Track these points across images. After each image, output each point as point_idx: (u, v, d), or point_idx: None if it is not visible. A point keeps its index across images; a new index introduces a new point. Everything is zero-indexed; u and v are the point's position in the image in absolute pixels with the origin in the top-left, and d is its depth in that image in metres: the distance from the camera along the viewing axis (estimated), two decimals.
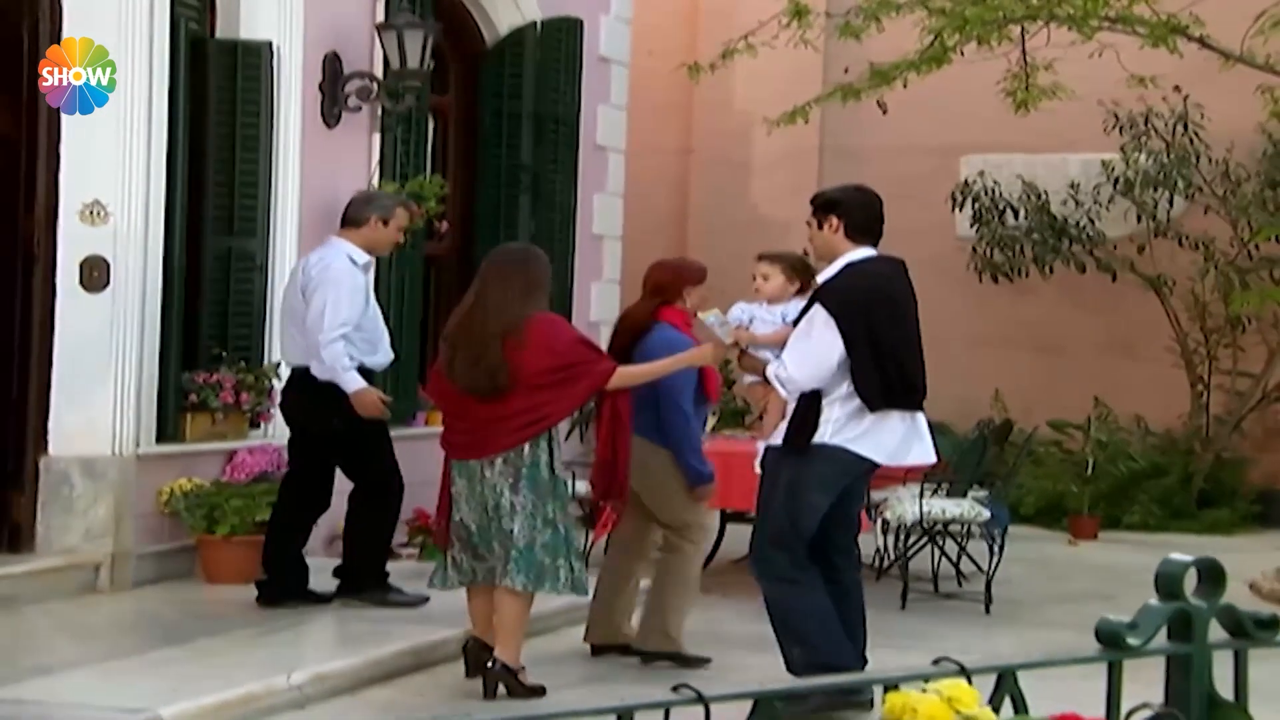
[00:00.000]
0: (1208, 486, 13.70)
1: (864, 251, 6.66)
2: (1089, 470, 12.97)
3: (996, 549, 9.21)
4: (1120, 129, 13.55)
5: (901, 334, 6.64)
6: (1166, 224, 13.77)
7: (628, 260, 13.07)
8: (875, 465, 6.67)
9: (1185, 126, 13.46)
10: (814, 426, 6.54)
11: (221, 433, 8.98)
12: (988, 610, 9.09)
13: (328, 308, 7.92)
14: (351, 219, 8.28)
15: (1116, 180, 13.77)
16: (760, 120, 14.17)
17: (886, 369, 6.54)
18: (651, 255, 14.35)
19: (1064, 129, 13.44)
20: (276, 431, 9.28)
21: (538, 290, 6.95)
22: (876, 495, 9.41)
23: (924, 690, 2.65)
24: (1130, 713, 2.84)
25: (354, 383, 7.91)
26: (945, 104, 13.68)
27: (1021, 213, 13.98)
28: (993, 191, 14.02)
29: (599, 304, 12.38)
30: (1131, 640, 2.81)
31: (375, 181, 9.93)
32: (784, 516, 6.64)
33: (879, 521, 9.41)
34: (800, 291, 7.27)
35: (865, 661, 6.75)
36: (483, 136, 11.45)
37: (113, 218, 8.37)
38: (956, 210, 14.17)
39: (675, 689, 2.55)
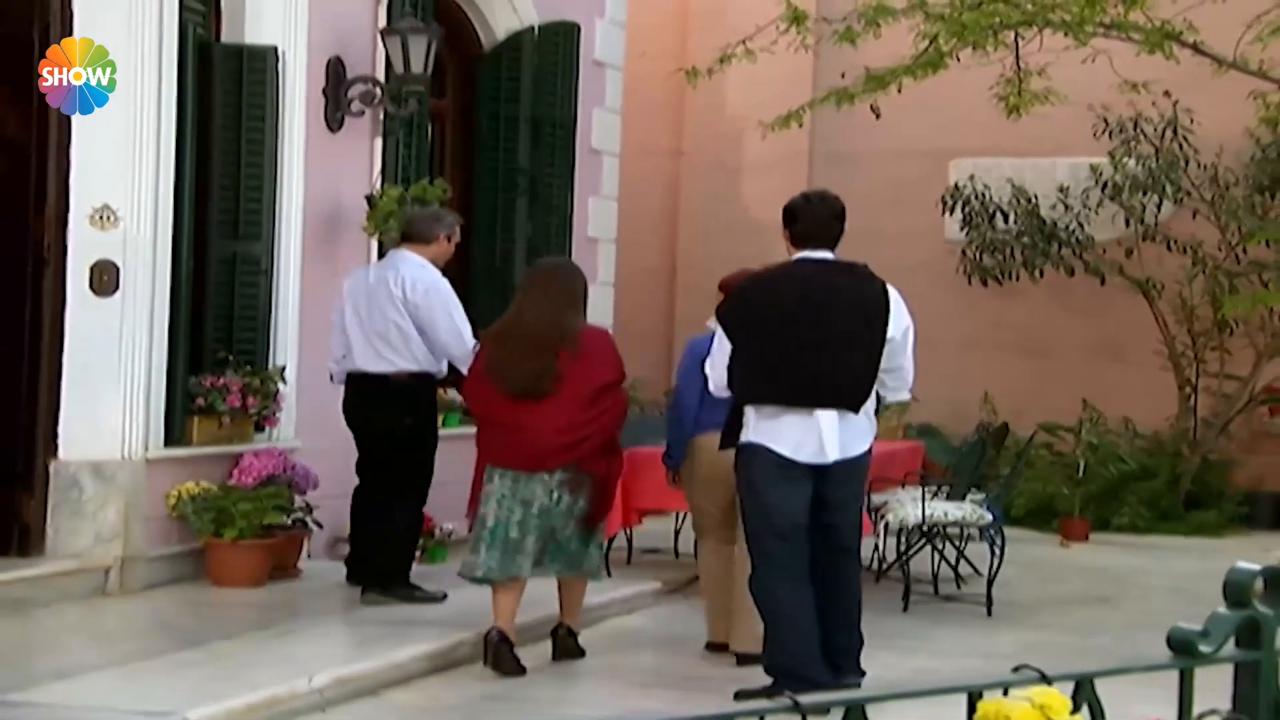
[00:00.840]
0: (1195, 488, 13.81)
1: (801, 255, 6.90)
2: (1080, 472, 13.06)
3: (997, 551, 9.27)
4: (1110, 134, 13.65)
5: (793, 334, 6.70)
6: (1155, 228, 13.88)
7: (619, 263, 13.14)
8: (788, 460, 6.69)
9: (1175, 131, 13.57)
10: (738, 427, 6.84)
11: (227, 436, 9.01)
12: (989, 612, 9.16)
13: (455, 318, 8.35)
14: (420, 235, 8.49)
15: (1105, 184, 13.88)
16: (751, 123, 14.25)
17: (762, 368, 6.73)
18: (642, 257, 14.54)
19: (1053, 133, 13.54)
20: (281, 435, 9.32)
21: (583, 302, 7.46)
22: (877, 499, 9.47)
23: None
24: (1199, 718, 2.90)
25: None
26: (934, 108, 13.77)
27: (1011, 216, 14.08)
28: (983, 195, 14.12)
29: (593, 307, 12.36)
30: (1204, 648, 2.87)
31: (378, 186, 9.96)
32: (751, 514, 6.88)
33: (881, 524, 9.47)
34: None
35: (839, 669, 6.74)
36: (480, 140, 11.50)
37: (122, 222, 8.39)
38: (947, 214, 14.26)
39: (771, 695, 2.60)
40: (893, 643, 8.26)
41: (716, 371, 6.84)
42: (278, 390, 9.16)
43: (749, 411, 6.77)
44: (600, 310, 12.28)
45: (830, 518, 6.82)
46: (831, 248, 6.92)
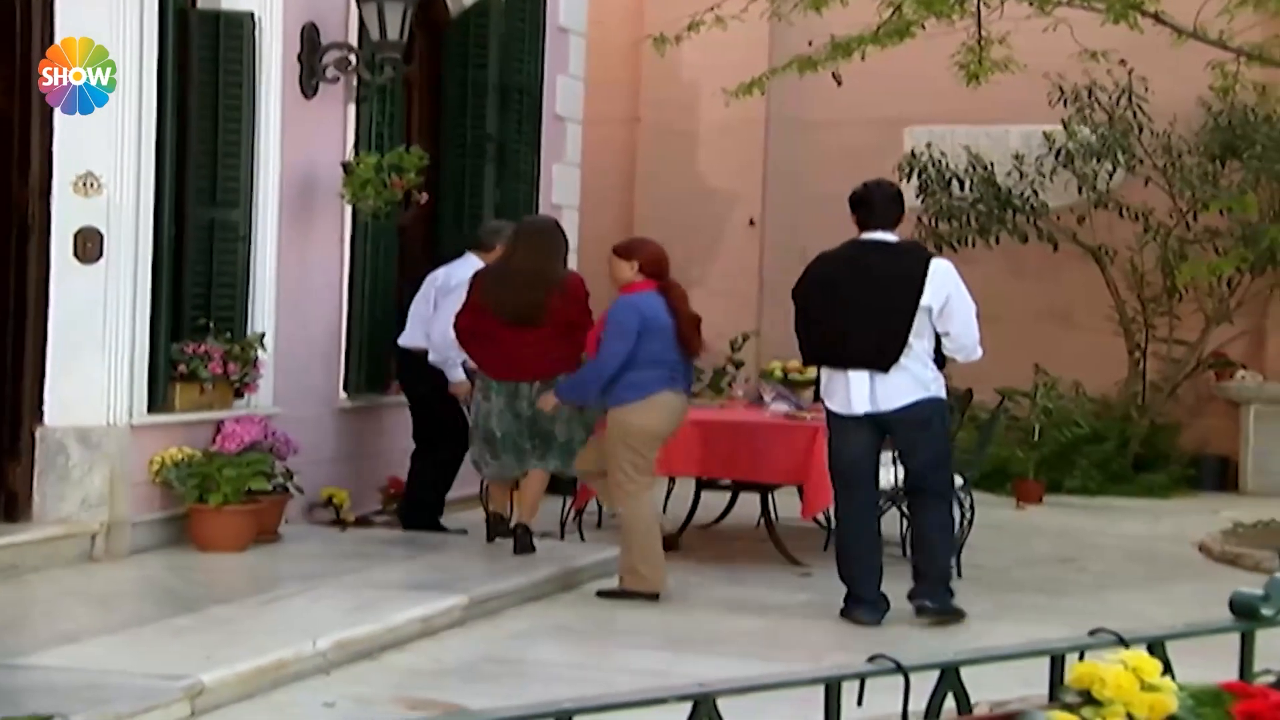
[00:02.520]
0: (1143, 451, 14.08)
1: (866, 237, 8.07)
2: (1036, 437, 13.28)
3: (968, 515, 9.44)
4: (1065, 102, 13.83)
5: (834, 306, 7.91)
6: (1107, 195, 14.09)
7: (578, 228, 13.22)
8: (841, 414, 7.91)
9: (1129, 99, 13.77)
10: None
11: (208, 403, 9.05)
12: (959, 574, 9.32)
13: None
14: (485, 244, 9.77)
15: (1059, 152, 14.06)
16: (707, 90, 14.35)
17: (817, 336, 8.04)
18: (600, 224, 14.59)
19: (1007, 101, 13.64)
20: (260, 402, 9.39)
21: (565, 253, 9.27)
22: None
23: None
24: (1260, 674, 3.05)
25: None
26: (889, 75, 13.87)
27: (967, 184, 14.25)
28: (939, 163, 14.28)
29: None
30: (1266, 611, 3.01)
31: (352, 153, 10.00)
32: (829, 459, 8.16)
33: None
34: None
35: (916, 589, 7.99)
36: (448, 106, 11.52)
37: (106, 189, 8.40)
38: (904, 181, 14.39)
39: (872, 659, 2.72)
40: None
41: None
42: (257, 357, 9.21)
43: (821, 374, 8.05)
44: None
45: (905, 461, 8.08)
46: (891, 228, 8.07)
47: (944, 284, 7.83)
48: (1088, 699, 2.65)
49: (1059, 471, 13.59)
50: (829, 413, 8.01)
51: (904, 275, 7.86)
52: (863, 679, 2.70)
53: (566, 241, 9.31)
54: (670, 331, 8.22)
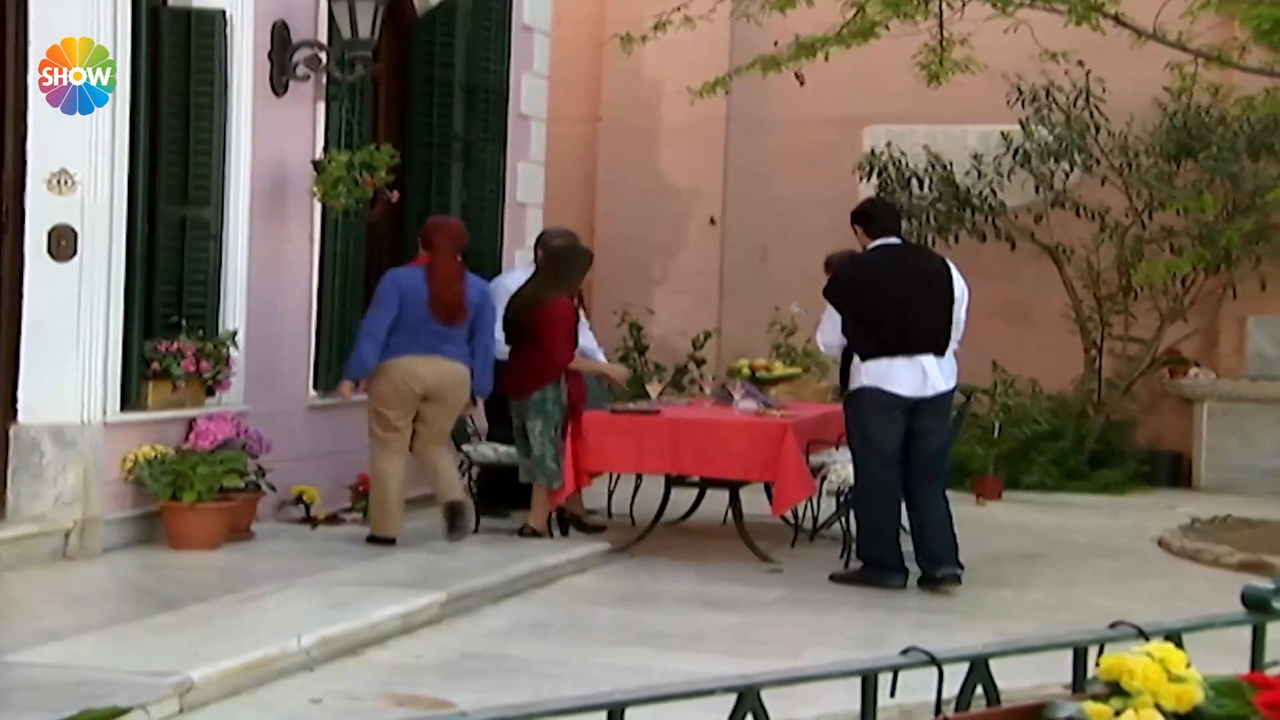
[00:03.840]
0: (1098, 448, 14.22)
1: (880, 243, 9.01)
2: (995, 433, 13.40)
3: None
4: (1022, 102, 13.96)
5: (891, 301, 8.78)
6: (1064, 194, 14.22)
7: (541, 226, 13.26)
8: (897, 397, 8.72)
9: (1086, 99, 13.90)
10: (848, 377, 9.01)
11: (180, 400, 9.06)
12: None
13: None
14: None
15: (1016, 151, 14.19)
16: (668, 89, 14.43)
17: (874, 329, 8.76)
18: (561, 221, 14.61)
19: (965, 101, 13.76)
20: (232, 399, 9.39)
21: (556, 277, 9.94)
22: (815, 459, 9.71)
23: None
24: (1269, 665, 3.13)
25: None
26: (849, 75, 13.96)
27: (926, 183, 14.36)
28: (899, 162, 14.38)
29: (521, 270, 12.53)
30: (1277, 604, 3.09)
31: (321, 151, 10.02)
32: (859, 442, 8.91)
33: (822, 484, 9.71)
34: None
35: (937, 561, 8.78)
36: (414, 105, 11.54)
37: (80, 187, 8.40)
38: (863, 180, 14.51)
39: (904, 652, 2.77)
40: (847, 598, 8.53)
41: (827, 336, 9.02)
42: (229, 355, 9.22)
43: (861, 364, 8.76)
44: (527, 274, 12.38)
45: (921, 444, 8.79)
46: (899, 235, 9.21)
47: (959, 279, 9.04)
48: (1115, 690, 2.71)
49: (1017, 468, 13.72)
50: (872, 399, 8.71)
51: (937, 271, 9.03)
52: (896, 671, 2.76)
53: (559, 264, 9.98)
54: (425, 302, 9.04)
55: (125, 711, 1.97)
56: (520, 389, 9.65)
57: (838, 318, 8.90)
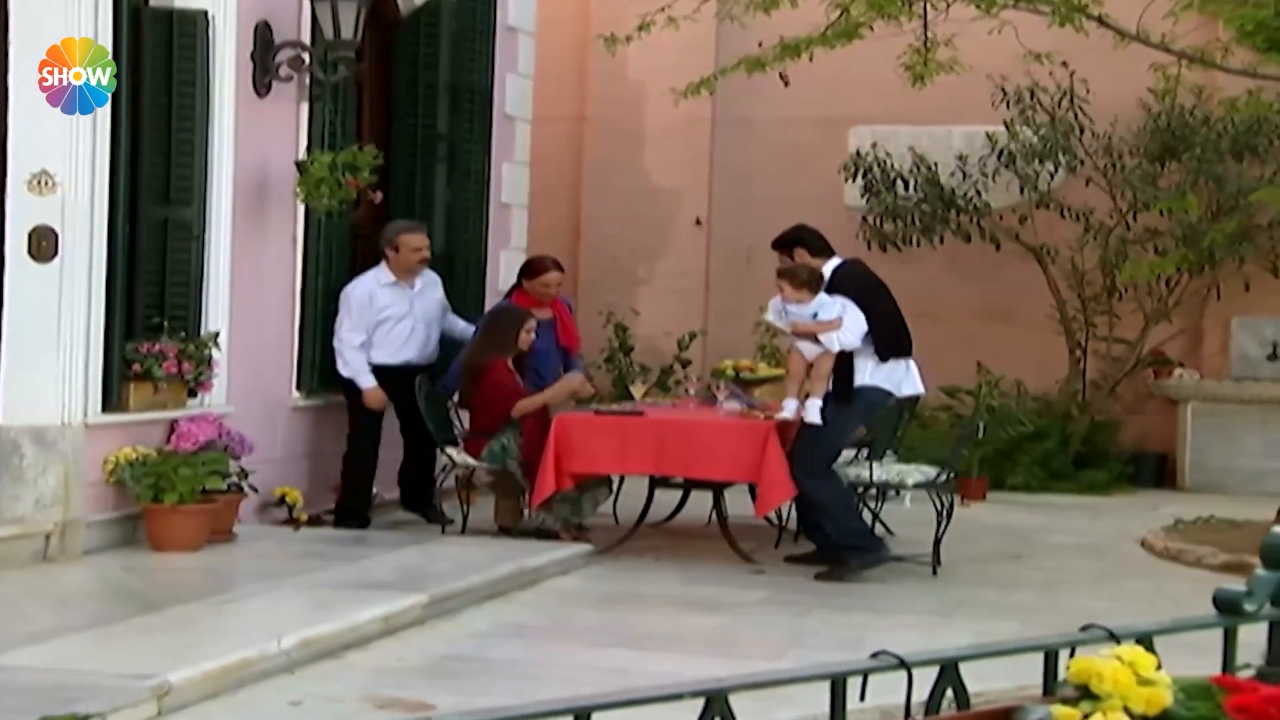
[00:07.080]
0: (1083, 448, 14.23)
1: (844, 258, 9.71)
2: (980, 434, 13.39)
3: (945, 512, 9.55)
4: (1007, 103, 13.97)
5: (892, 304, 9.43)
6: (1049, 195, 14.23)
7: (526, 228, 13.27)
8: (900, 397, 9.37)
9: (1070, 101, 13.92)
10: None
11: (162, 402, 9.04)
12: (935, 571, 9.43)
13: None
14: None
15: (1001, 153, 14.20)
16: (653, 89, 14.42)
17: (891, 330, 9.33)
18: (546, 222, 14.64)
19: (950, 102, 13.77)
20: (214, 401, 9.38)
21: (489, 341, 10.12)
22: None
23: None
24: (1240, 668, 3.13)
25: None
26: (834, 76, 13.97)
27: (912, 184, 14.36)
28: (884, 163, 14.39)
29: (507, 272, 12.52)
30: (1249, 606, 3.09)
31: (304, 152, 10.00)
32: (837, 436, 9.27)
33: None
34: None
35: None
36: (398, 105, 11.53)
37: (61, 188, 8.38)
38: (848, 181, 14.51)
39: (874, 655, 2.78)
40: (829, 599, 8.53)
41: (851, 339, 9.15)
42: (211, 356, 9.21)
43: (870, 365, 9.20)
44: (510, 275, 12.38)
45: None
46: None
47: None
48: (1085, 693, 2.71)
49: (1001, 469, 13.73)
50: (875, 397, 9.22)
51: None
52: (865, 675, 2.76)
53: (496, 327, 10.16)
54: None
55: (87, 718, 1.96)
56: (477, 449, 9.95)
57: (860, 320, 9.17)
